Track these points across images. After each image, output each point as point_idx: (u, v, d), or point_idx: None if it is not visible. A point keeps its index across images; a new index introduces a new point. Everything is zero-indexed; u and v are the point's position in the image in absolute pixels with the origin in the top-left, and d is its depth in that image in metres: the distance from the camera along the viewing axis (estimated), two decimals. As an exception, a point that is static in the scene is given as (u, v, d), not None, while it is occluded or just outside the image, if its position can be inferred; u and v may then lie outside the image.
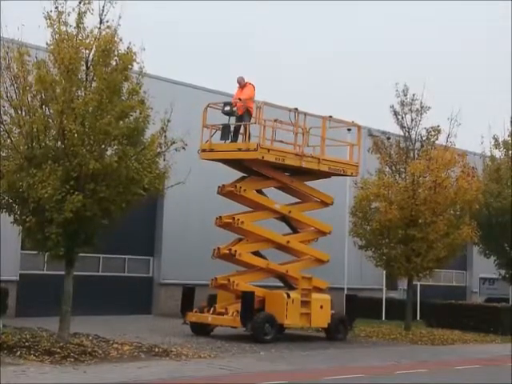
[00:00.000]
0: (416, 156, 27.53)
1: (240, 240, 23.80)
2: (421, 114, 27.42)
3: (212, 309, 23.21)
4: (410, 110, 27.43)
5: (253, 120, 23.32)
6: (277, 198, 24.75)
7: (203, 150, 23.41)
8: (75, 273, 18.90)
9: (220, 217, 23.37)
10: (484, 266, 35.46)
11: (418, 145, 27.69)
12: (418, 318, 32.19)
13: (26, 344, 17.40)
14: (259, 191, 24.07)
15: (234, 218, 23.13)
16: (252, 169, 23.70)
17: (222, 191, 23.47)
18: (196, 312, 23.35)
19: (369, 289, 32.11)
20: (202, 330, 23.24)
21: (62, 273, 18.84)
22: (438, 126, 27.53)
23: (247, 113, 23.38)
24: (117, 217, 18.49)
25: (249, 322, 22.11)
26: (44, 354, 16.62)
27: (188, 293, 24.00)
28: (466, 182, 26.64)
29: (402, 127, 27.56)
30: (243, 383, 15.44)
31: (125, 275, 28.83)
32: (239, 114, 23.42)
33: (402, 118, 27.50)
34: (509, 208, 29.80)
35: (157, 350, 18.56)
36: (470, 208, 27.18)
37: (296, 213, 24.53)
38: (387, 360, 20.59)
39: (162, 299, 29.26)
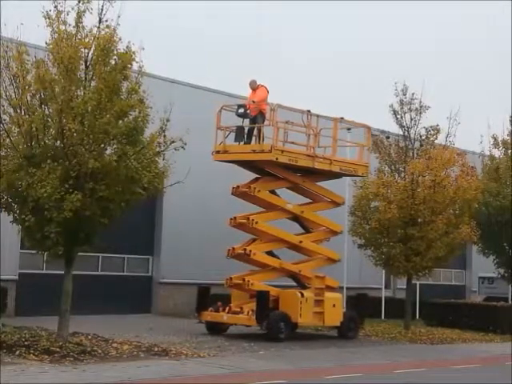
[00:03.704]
0: (415, 155, 27.54)
1: (254, 240, 23.96)
2: (420, 113, 27.42)
3: (227, 308, 23.39)
4: (410, 109, 27.43)
5: (267, 122, 23.48)
6: (286, 198, 24.84)
7: (217, 152, 23.62)
8: (74, 272, 18.89)
9: (234, 217, 23.56)
10: (483, 265, 35.48)
11: (417, 144, 27.70)
12: (418, 316, 32.17)
13: (26, 343, 17.41)
14: (272, 192, 24.24)
15: (248, 219, 23.28)
16: (264, 169, 23.92)
17: (237, 192, 23.68)
18: (211, 311, 23.53)
19: (368, 288, 32.10)
20: (216, 328, 23.47)
21: (62, 272, 18.84)
22: (438, 126, 27.57)
23: (260, 115, 23.58)
24: (116, 216, 18.49)
25: (264, 320, 22.31)
26: (43, 353, 16.63)
27: (203, 292, 24.24)
28: (466, 181, 26.64)
29: (402, 126, 27.57)
30: (242, 382, 15.44)
31: (124, 274, 28.84)
32: (252, 115, 23.53)
33: (402, 117, 27.51)
34: (508, 207, 29.82)
35: (156, 349, 18.56)
36: (469, 207, 27.19)
37: (308, 213, 24.71)
38: (386, 359, 20.61)
39: (161, 298, 29.27)
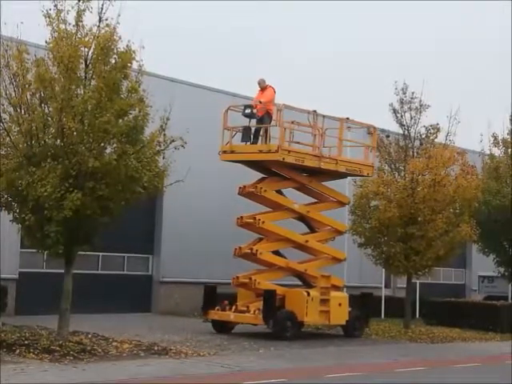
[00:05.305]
0: (415, 154, 27.54)
1: (260, 239, 24.02)
2: (420, 112, 27.42)
3: (234, 307, 23.47)
4: (410, 108, 27.43)
5: (273, 122, 23.53)
6: (290, 198, 24.85)
7: (224, 152, 23.65)
8: (74, 271, 18.91)
9: (241, 217, 23.57)
10: (483, 264, 35.47)
11: (417, 143, 27.70)
12: (418, 315, 32.17)
13: (26, 342, 17.44)
14: (278, 191, 24.30)
15: (255, 218, 23.34)
16: (270, 169, 24.00)
17: (243, 192, 23.72)
18: (218, 310, 23.56)
19: (368, 287, 32.07)
20: (223, 327, 23.55)
21: (62, 271, 18.86)
22: (438, 124, 27.57)
23: (267, 115, 23.63)
24: (116, 215, 18.50)
25: (271, 319, 22.41)
26: (43, 352, 16.65)
27: (210, 291, 24.22)
28: (466, 180, 26.63)
29: (402, 125, 27.57)
30: (242, 381, 15.44)
31: (124, 273, 28.83)
32: (259, 116, 23.59)
33: (402, 116, 27.51)
34: (508, 206, 29.81)
35: (156, 348, 18.57)
36: (469, 206, 27.18)
37: (314, 212, 24.78)
38: (387, 358, 20.61)
39: (161, 297, 29.26)
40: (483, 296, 37.07)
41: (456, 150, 27.47)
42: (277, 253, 24.26)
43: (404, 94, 27.33)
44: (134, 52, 18.06)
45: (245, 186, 23.68)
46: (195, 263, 29.03)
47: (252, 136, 23.73)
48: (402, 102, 27.39)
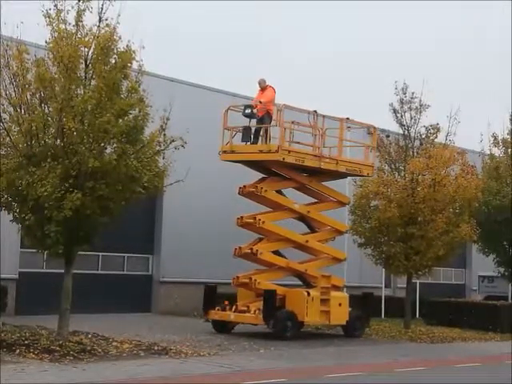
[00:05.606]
0: (415, 154, 27.53)
1: (260, 239, 24.04)
2: (420, 112, 27.43)
3: (234, 307, 23.48)
4: (410, 108, 27.44)
5: (273, 122, 23.54)
6: (291, 198, 24.85)
7: (224, 152, 23.66)
8: (74, 271, 18.91)
9: (241, 217, 23.57)
10: (483, 264, 35.48)
11: (417, 143, 27.71)
12: (418, 315, 32.18)
13: (26, 342, 17.44)
14: (278, 191, 24.32)
15: (255, 218, 23.35)
16: (271, 169, 24.03)
17: (243, 192, 23.73)
18: (218, 310, 23.57)
19: (368, 287, 32.09)
20: (223, 327, 23.57)
21: (62, 271, 18.86)
22: (438, 124, 27.57)
23: (267, 115, 23.65)
24: (116, 215, 18.50)
25: (271, 319, 22.43)
26: (43, 352, 16.65)
27: (210, 291, 24.23)
28: (466, 180, 26.63)
29: (402, 125, 27.57)
30: (242, 381, 15.44)
31: (124, 273, 28.84)
32: (259, 116, 23.60)
33: (402, 116, 27.51)
34: (508, 206, 29.81)
35: (156, 348, 18.57)
36: (469, 206, 27.18)
37: (314, 212, 24.80)
38: (387, 357, 20.61)
39: (161, 297, 29.26)
40: (483, 296, 37.09)
41: (456, 150, 27.47)
42: (277, 253, 24.27)
43: (404, 93, 27.35)
44: (134, 52, 18.06)
45: (245, 186, 23.70)
46: (195, 263, 29.04)
47: (252, 136, 23.75)
48: (401, 101, 27.39)
